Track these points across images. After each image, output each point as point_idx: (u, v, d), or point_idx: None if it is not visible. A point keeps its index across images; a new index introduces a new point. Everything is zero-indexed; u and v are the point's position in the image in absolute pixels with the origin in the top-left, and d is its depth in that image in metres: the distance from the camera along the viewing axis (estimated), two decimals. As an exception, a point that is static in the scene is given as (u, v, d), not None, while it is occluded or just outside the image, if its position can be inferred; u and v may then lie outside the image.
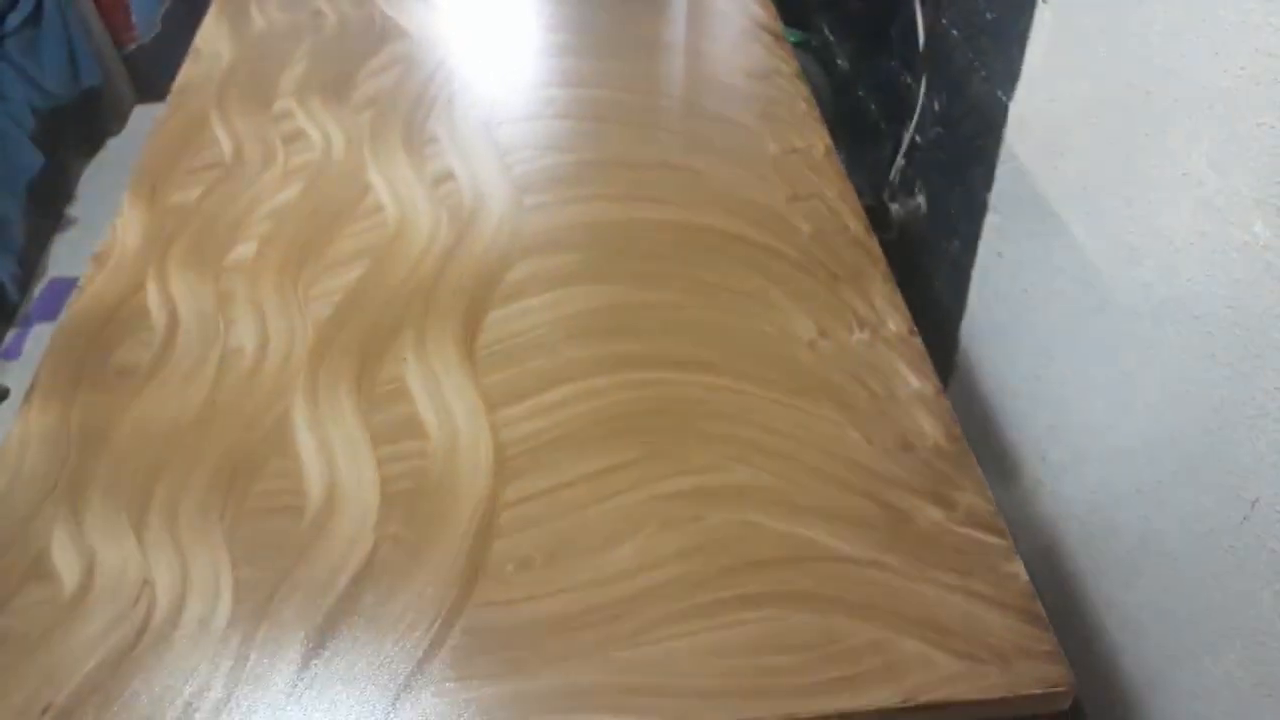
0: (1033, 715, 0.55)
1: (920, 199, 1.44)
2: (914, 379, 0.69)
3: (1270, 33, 0.74)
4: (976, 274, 1.29)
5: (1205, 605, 0.90)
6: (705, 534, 0.61)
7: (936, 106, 1.36)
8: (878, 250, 0.80)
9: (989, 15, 1.17)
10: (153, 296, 0.78)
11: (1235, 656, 0.86)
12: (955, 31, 1.28)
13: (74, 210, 1.97)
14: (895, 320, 0.73)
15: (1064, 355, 1.10)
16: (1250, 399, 0.81)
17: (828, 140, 0.91)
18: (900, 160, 1.49)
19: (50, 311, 1.71)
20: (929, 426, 0.66)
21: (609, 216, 0.84)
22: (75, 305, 0.79)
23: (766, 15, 1.10)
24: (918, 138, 1.43)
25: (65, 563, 0.61)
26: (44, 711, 0.54)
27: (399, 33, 1.09)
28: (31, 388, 0.72)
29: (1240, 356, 0.82)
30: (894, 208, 1.49)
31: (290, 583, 0.60)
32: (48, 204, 1.93)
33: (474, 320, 0.75)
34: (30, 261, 1.81)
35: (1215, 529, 0.86)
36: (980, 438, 1.30)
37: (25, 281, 1.78)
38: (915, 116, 1.41)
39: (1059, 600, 1.13)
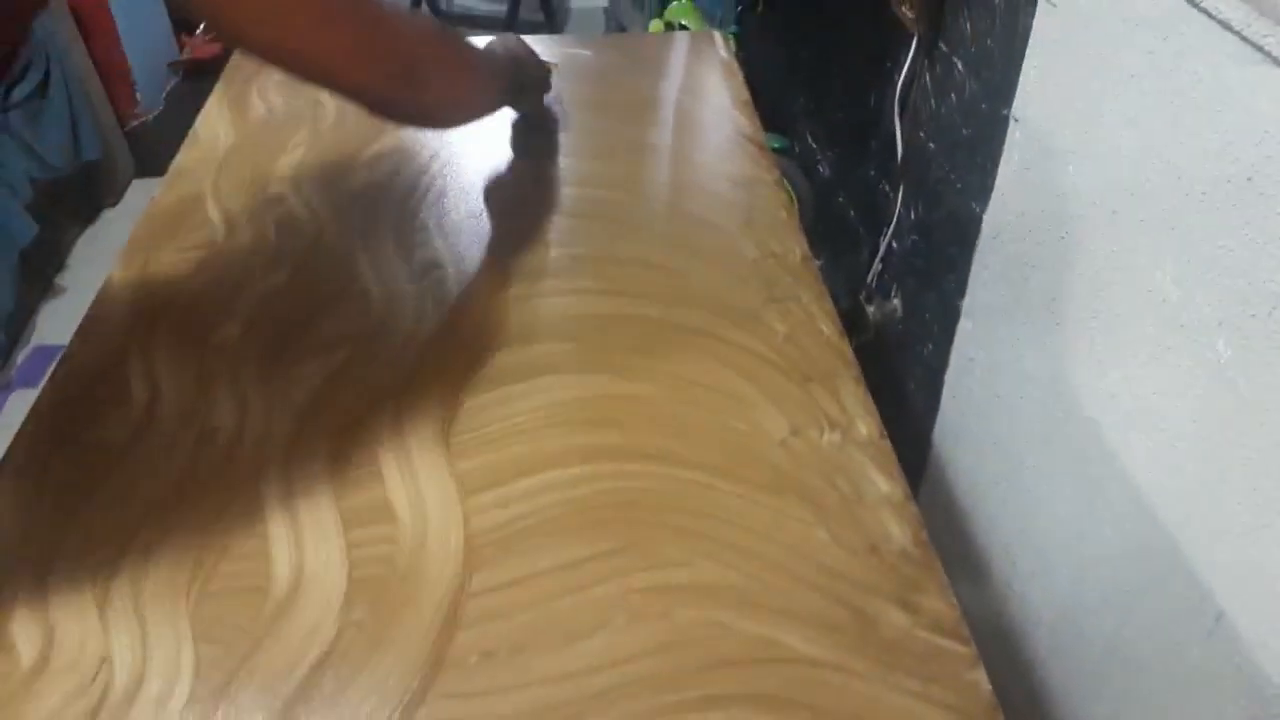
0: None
1: (896, 302, 1.48)
2: (883, 482, 0.70)
3: (1229, 161, 0.78)
4: (949, 378, 1.31)
5: (1174, 719, 0.89)
6: (673, 631, 0.61)
7: (913, 215, 1.41)
8: (850, 354, 0.82)
9: (964, 131, 1.22)
10: (135, 372, 0.79)
11: (1201, 773, 0.85)
12: (932, 145, 1.33)
13: (64, 279, 1.99)
14: (866, 423, 0.75)
15: (1033, 462, 1.12)
16: (1213, 513, 0.82)
17: (805, 247, 0.94)
18: (878, 265, 1.53)
19: (33, 378, 1.71)
20: (896, 530, 0.67)
21: (592, 310, 0.86)
22: (57, 374, 0.79)
23: (751, 126, 1.14)
24: (894, 244, 1.48)
25: (24, 636, 0.61)
26: (-11, 793, 0.53)
27: (394, 126, 1.13)
28: (6, 458, 0.72)
29: (1204, 470, 0.83)
30: (871, 310, 1.53)
31: (251, 665, 0.59)
32: (38, 272, 1.94)
33: (452, 406, 0.76)
34: (16, 328, 1.82)
35: (1182, 642, 0.87)
36: (951, 541, 1.30)
37: (9, 347, 1.78)
38: (892, 224, 1.46)
39: (1027, 709, 1.12)
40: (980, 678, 0.58)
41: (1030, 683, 1.12)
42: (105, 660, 0.59)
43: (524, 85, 1.06)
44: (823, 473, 0.71)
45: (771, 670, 0.58)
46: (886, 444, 0.73)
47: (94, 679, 0.58)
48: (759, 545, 0.66)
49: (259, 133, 1.11)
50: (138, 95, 2.45)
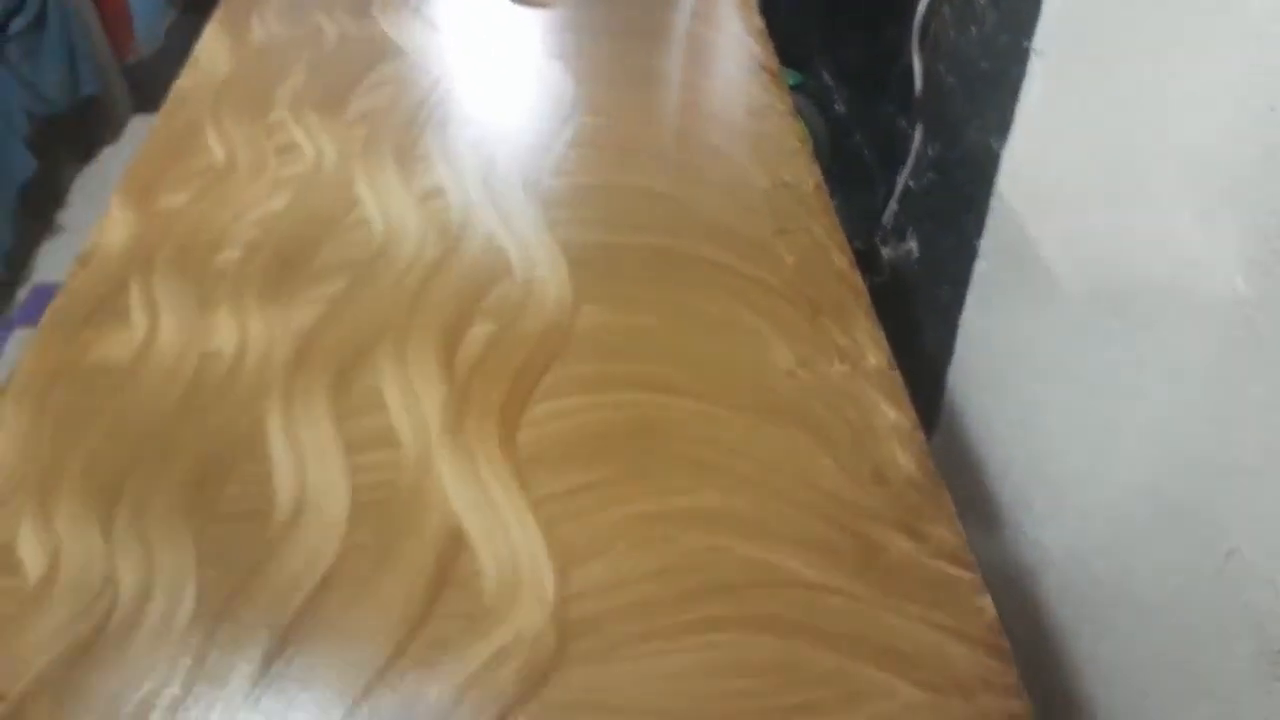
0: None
1: (912, 244, 1.45)
2: (891, 412, 0.69)
3: (1251, 90, 0.76)
4: (965, 321, 1.30)
5: (1180, 659, 0.89)
6: (675, 556, 0.60)
7: (930, 153, 1.38)
8: (861, 285, 0.80)
9: (984, 64, 1.19)
10: (135, 297, 0.78)
11: (1206, 713, 0.85)
12: (951, 79, 1.30)
13: (63, 217, 1.97)
14: (875, 354, 0.74)
15: (1048, 403, 1.11)
16: (1227, 451, 0.81)
17: (818, 177, 0.92)
18: (894, 205, 1.50)
19: (33, 317, 1.71)
20: (904, 459, 0.66)
21: (597, 239, 0.84)
22: (58, 302, 0.78)
23: (764, 53, 1.12)
24: (911, 183, 1.45)
25: (30, 555, 0.61)
26: (-4, 704, 0.53)
27: (397, 51, 1.10)
28: (8, 382, 0.72)
29: (1219, 409, 0.82)
30: (886, 251, 1.51)
31: (255, 585, 0.59)
32: (38, 209, 1.93)
33: (454, 335, 0.75)
34: (16, 265, 1.82)
35: (1191, 581, 0.87)
36: (965, 483, 1.30)
37: (10, 285, 1.78)
38: (910, 162, 1.43)
39: (1037, 649, 1.12)
40: (985, 603, 0.58)
41: (1041, 623, 1.12)
42: (110, 580, 0.59)
43: None
44: (830, 403, 0.70)
45: (773, 594, 0.58)
46: (896, 374, 0.72)
47: (99, 597, 0.58)
48: (764, 473, 0.65)
49: (259, 59, 1.09)
50: (136, 30, 2.41)
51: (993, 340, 1.23)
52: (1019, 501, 1.17)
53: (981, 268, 1.24)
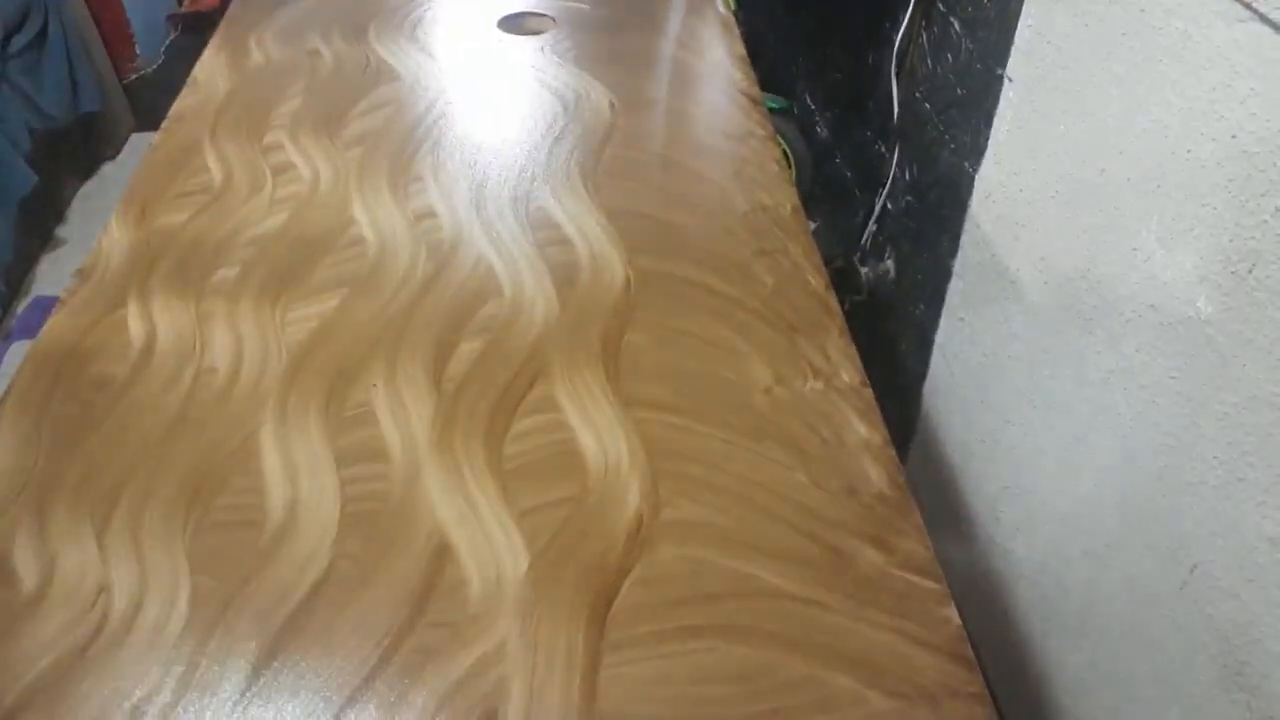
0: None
1: (890, 263, 1.49)
2: (863, 428, 0.72)
3: (1214, 119, 0.79)
4: (939, 337, 1.33)
5: (1147, 669, 0.92)
6: (653, 567, 0.63)
7: (908, 176, 1.41)
8: (835, 305, 0.83)
9: (959, 90, 1.23)
10: (133, 313, 0.81)
11: None
12: (927, 105, 1.33)
13: (63, 231, 1.99)
14: (848, 371, 0.76)
15: (1019, 419, 1.13)
16: (1190, 467, 0.84)
17: (795, 200, 0.95)
18: (872, 226, 1.53)
19: (32, 329, 1.72)
20: (874, 474, 0.69)
21: (583, 260, 0.87)
22: (57, 317, 0.80)
23: (746, 81, 1.15)
24: (889, 205, 1.48)
25: (25, 565, 0.62)
26: (-8, 709, 0.55)
27: (391, 75, 1.13)
28: (7, 393, 0.74)
29: (1182, 426, 0.85)
30: (864, 271, 1.54)
31: (246, 595, 0.61)
32: (38, 223, 1.94)
33: (444, 351, 0.77)
34: (15, 279, 1.83)
35: (1157, 593, 0.89)
36: (938, 497, 1.32)
37: (9, 298, 1.79)
38: (887, 184, 1.46)
39: (1009, 658, 1.15)
40: (950, 614, 0.60)
41: (1012, 633, 1.14)
42: (104, 589, 0.61)
43: None
44: (805, 419, 0.73)
45: (748, 604, 0.60)
46: (868, 392, 0.75)
47: (93, 606, 0.60)
48: (739, 487, 0.67)
49: (256, 81, 1.12)
50: (137, 48, 2.44)
51: (966, 357, 1.26)
52: (991, 514, 1.19)
53: (955, 287, 1.27)
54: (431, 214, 0.92)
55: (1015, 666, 1.13)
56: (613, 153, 1.01)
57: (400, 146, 1.01)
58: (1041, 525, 1.09)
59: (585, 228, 0.91)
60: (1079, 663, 1.03)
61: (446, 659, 0.58)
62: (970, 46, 1.19)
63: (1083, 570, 1.01)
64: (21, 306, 1.80)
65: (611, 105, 1.09)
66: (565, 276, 0.85)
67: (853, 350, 0.79)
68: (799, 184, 1.77)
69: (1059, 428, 1.04)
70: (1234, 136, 0.76)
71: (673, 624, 0.59)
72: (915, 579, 0.62)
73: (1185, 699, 0.85)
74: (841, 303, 0.84)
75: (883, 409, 0.75)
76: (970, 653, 0.58)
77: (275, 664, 0.57)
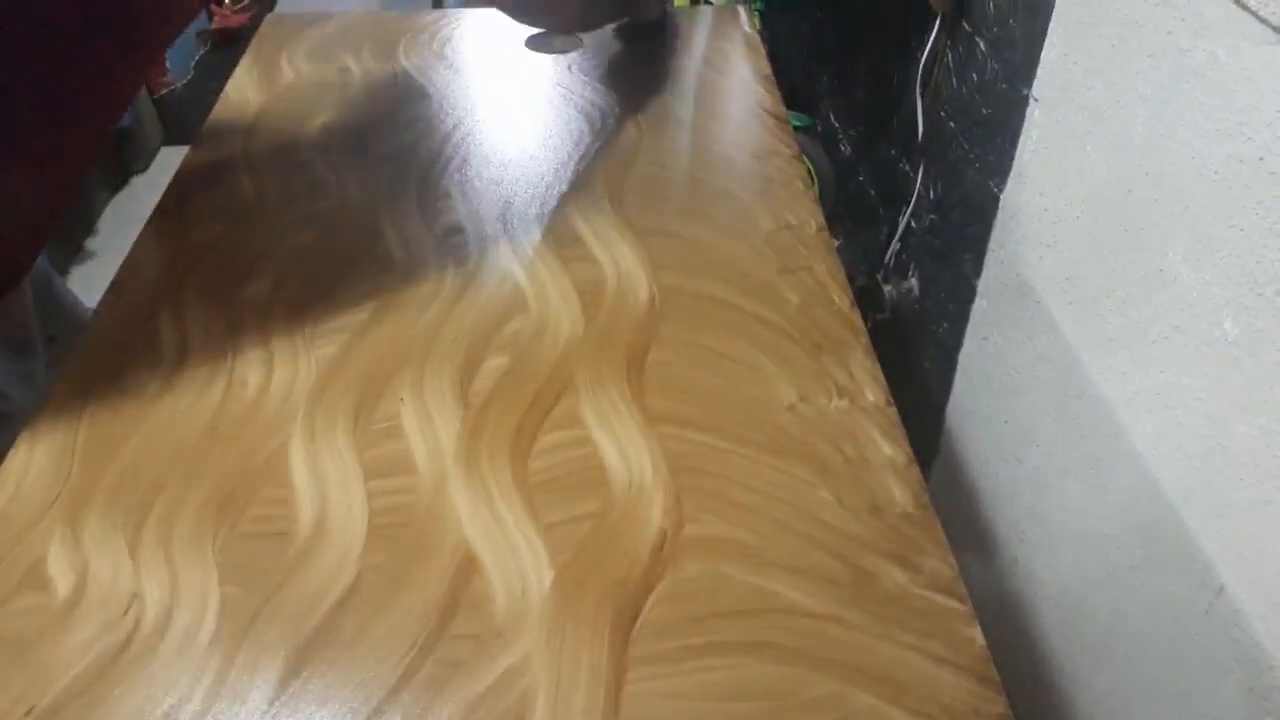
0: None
1: (913, 281, 1.49)
2: (887, 447, 0.72)
3: (1242, 140, 0.79)
4: (963, 357, 1.33)
5: (1171, 692, 0.91)
6: (678, 583, 0.63)
7: (932, 194, 1.42)
8: (860, 324, 0.83)
9: (985, 110, 1.23)
10: (166, 325, 0.82)
11: (1196, 745, 0.87)
12: (952, 124, 1.34)
13: (93, 244, 2.02)
14: (873, 390, 0.77)
15: (1044, 439, 1.13)
16: (1218, 488, 0.83)
17: (820, 219, 0.96)
18: (896, 244, 1.54)
19: (61, 339, 1.74)
20: (899, 493, 0.69)
21: (610, 278, 0.88)
22: (90, 329, 0.82)
23: (771, 100, 1.16)
24: (913, 223, 1.49)
25: (60, 572, 0.64)
26: (27, 713, 0.56)
27: (421, 93, 1.15)
28: (42, 405, 0.75)
29: (1207, 448, 0.85)
30: (888, 289, 1.54)
31: (274, 605, 0.62)
32: (68, 236, 1.98)
33: (471, 366, 0.78)
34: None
35: (1181, 616, 0.88)
36: (962, 517, 1.32)
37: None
38: (911, 202, 1.47)
39: (1034, 678, 1.14)
40: (975, 634, 0.60)
41: (1035, 654, 1.13)
42: (136, 597, 0.62)
43: None
44: (829, 437, 0.73)
45: (771, 621, 0.60)
46: (893, 411, 0.75)
47: (125, 613, 0.61)
48: (763, 504, 0.68)
49: (288, 98, 1.14)
50: (167, 63, 2.48)
51: (990, 376, 1.26)
52: (1014, 534, 1.19)
53: (980, 306, 1.27)
54: (459, 230, 0.93)
55: (1038, 687, 1.12)
56: (639, 171, 1.02)
57: (428, 164, 1.02)
58: (1065, 547, 1.09)
59: (611, 245, 0.92)
60: (1102, 685, 1.02)
61: (472, 672, 0.58)
62: (995, 66, 1.20)
63: (1107, 592, 1.00)
64: (52, 317, 1.82)
65: (638, 124, 1.10)
66: (591, 293, 0.86)
67: (877, 369, 0.79)
68: (822, 202, 1.77)
69: (1084, 449, 1.04)
70: (1261, 159, 0.76)
71: (697, 640, 0.60)
72: (940, 598, 0.62)
73: (1211, 723, 0.84)
74: (865, 320, 0.85)
75: (906, 427, 0.75)
76: (995, 674, 0.58)
77: (304, 674, 0.58)
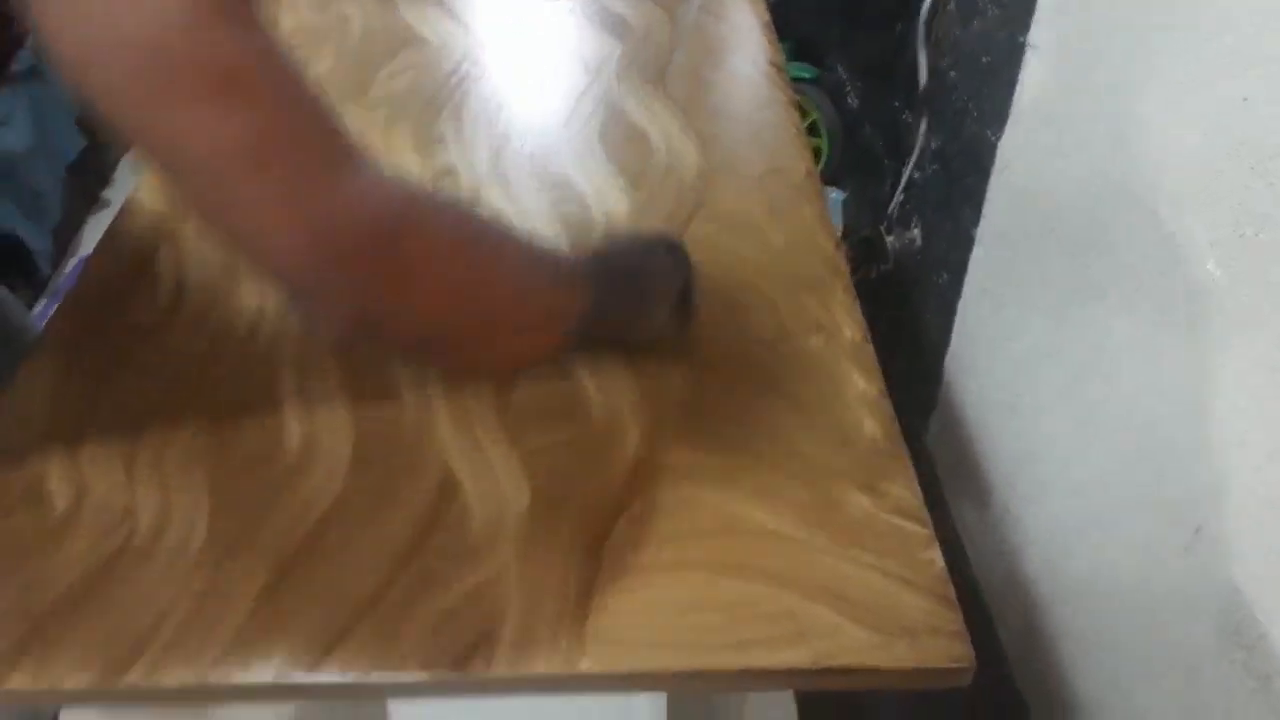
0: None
1: (916, 233, 1.49)
2: (861, 381, 0.73)
3: (1228, 79, 0.79)
4: (961, 308, 1.33)
5: (1148, 631, 0.92)
6: (650, 505, 0.65)
7: (933, 145, 1.41)
8: (843, 266, 0.84)
9: (984, 59, 1.23)
10: (165, 261, 0.84)
11: (1169, 687, 0.88)
12: (953, 74, 1.33)
13: (109, 193, 2.05)
14: (851, 328, 0.78)
15: (1037, 388, 1.14)
16: (1197, 429, 0.84)
17: (810, 164, 0.96)
18: (899, 195, 1.54)
19: (78, 288, 1.78)
20: (869, 424, 0.70)
21: (597, 219, 0.89)
22: (90, 263, 0.84)
23: (770, 47, 1.16)
24: (915, 174, 1.48)
25: (58, 489, 0.66)
26: (25, 617, 0.59)
27: (419, 40, 1.16)
28: (43, 335, 0.78)
29: (1189, 390, 0.85)
30: (891, 240, 1.54)
31: (262, 519, 0.64)
32: (85, 186, 2.01)
33: (458, 301, 0.80)
34: (64, 238, 1.89)
35: (1162, 557, 0.90)
36: (958, 467, 1.33)
37: (57, 257, 1.86)
38: (914, 154, 1.46)
39: (1021, 624, 1.16)
40: (935, 556, 0.62)
41: (1023, 599, 1.15)
42: (130, 512, 0.65)
43: (638, 300, 0.69)
44: (806, 372, 0.74)
45: (738, 541, 0.62)
46: (869, 347, 0.76)
47: (119, 526, 0.64)
48: (736, 432, 0.69)
49: (288, 44, 1.15)
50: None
51: (986, 326, 1.26)
52: (1007, 483, 1.20)
53: (978, 256, 1.27)
54: (451, 171, 0.95)
55: (1027, 629, 1.14)
56: (633, 117, 1.03)
57: (424, 108, 1.04)
58: (1053, 494, 1.10)
59: (601, 188, 0.93)
60: (1084, 626, 1.04)
61: (447, 585, 0.60)
62: (995, 12, 1.19)
63: (1089, 536, 1.02)
64: (69, 265, 1.86)
65: (634, 70, 1.11)
66: (579, 234, 0.87)
67: (856, 308, 0.80)
68: (829, 154, 1.77)
69: (1073, 395, 1.04)
70: (1246, 100, 0.76)
71: (665, 556, 0.62)
72: (902, 523, 0.64)
73: (1185, 659, 0.85)
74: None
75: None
76: (952, 593, 0.60)
77: (289, 580, 0.60)
